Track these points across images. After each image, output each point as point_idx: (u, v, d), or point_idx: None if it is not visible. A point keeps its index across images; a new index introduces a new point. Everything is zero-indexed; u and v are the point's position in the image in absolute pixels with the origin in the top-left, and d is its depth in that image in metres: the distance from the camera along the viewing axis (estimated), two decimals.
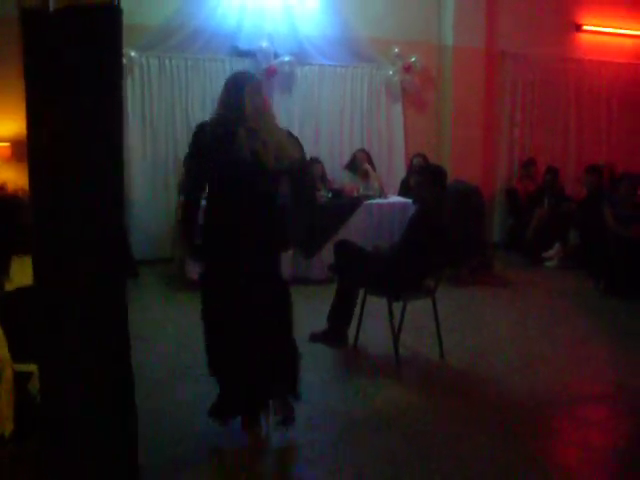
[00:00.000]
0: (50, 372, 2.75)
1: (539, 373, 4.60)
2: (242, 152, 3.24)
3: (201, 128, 3.40)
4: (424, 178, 4.87)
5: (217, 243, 3.40)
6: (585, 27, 9.79)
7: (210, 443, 3.51)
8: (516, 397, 4.18)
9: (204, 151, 3.33)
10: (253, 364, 3.44)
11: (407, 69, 8.73)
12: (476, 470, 3.25)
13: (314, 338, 5.07)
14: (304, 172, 3.65)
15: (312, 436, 3.60)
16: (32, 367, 3.15)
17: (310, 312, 5.66)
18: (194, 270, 6.25)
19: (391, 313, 4.61)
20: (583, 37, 9.87)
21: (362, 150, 8.21)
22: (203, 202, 3.48)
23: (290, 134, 3.57)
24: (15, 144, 7.15)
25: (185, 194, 3.68)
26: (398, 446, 3.49)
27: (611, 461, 3.47)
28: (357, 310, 4.90)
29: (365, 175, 7.89)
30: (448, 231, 4.83)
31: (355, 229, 7.04)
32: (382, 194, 7.58)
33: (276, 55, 8.09)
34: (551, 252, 8.29)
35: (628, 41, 10.09)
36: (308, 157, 7.77)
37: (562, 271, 7.94)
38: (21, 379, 3.28)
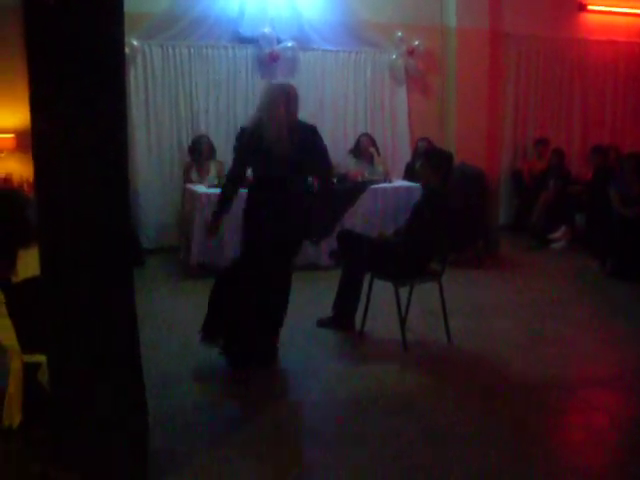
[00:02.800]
0: (59, 362, 2.77)
1: (546, 355, 4.60)
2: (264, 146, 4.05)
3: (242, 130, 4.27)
4: (429, 162, 4.86)
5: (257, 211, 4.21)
6: (589, 7, 9.70)
7: (217, 426, 3.53)
8: (523, 379, 4.19)
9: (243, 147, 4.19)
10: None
11: (410, 53, 8.68)
12: (482, 451, 3.27)
13: (322, 324, 5.09)
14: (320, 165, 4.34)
15: (320, 421, 3.61)
16: (41, 358, 3.17)
17: (317, 298, 5.67)
18: (199, 254, 6.42)
19: (398, 297, 4.61)
20: (587, 17, 9.77)
21: (366, 134, 8.19)
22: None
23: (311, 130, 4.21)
24: (19, 135, 7.16)
25: (226, 177, 4.48)
26: (407, 429, 3.50)
27: (615, 444, 3.48)
28: (363, 295, 4.90)
29: (369, 159, 7.88)
30: (454, 214, 4.81)
31: (360, 213, 7.03)
32: (387, 178, 7.57)
33: (279, 41, 8.05)
34: (557, 234, 8.28)
35: (632, 20, 9.97)
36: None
37: (568, 253, 7.93)
38: (30, 370, 3.31)
